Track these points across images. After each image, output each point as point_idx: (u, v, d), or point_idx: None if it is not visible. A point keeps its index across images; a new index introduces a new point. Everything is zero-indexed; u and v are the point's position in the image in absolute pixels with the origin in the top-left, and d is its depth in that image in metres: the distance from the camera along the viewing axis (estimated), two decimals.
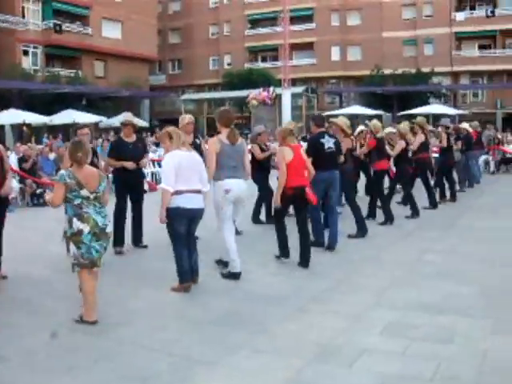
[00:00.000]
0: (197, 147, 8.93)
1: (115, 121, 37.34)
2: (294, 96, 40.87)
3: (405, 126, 12.92)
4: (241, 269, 7.25)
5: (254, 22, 56.31)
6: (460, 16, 46.66)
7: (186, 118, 9.55)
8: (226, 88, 49.03)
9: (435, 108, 37.06)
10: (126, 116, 10.16)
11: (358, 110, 38.38)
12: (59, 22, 43.62)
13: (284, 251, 8.18)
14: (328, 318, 5.81)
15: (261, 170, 11.05)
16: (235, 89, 44.76)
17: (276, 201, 7.99)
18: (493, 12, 44.09)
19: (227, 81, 50.03)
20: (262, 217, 11.46)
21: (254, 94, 36.54)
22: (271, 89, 36.56)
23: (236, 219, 7.69)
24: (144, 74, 52.20)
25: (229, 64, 56.23)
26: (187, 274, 6.72)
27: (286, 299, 6.43)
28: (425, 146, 13.37)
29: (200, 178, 6.79)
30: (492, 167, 23.39)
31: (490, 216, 12.23)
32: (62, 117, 32.99)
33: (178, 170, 6.50)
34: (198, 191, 6.72)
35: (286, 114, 36.30)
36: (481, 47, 48.20)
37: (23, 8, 42.67)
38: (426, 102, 40.61)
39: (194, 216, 6.75)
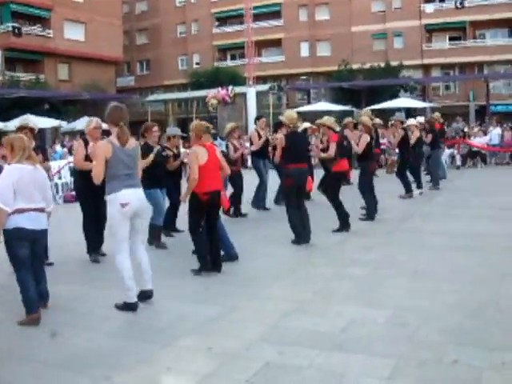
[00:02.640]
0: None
1: (76, 125, 36.39)
2: (262, 94, 39.88)
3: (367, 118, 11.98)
4: (137, 298, 6.06)
5: (222, 20, 55.16)
6: (429, 8, 45.70)
7: (93, 122, 8.39)
8: (194, 88, 47.79)
9: (404, 101, 36.08)
10: (23, 119, 8.96)
11: (324, 106, 37.32)
12: (18, 25, 42.36)
13: (205, 264, 7.30)
14: (196, 357, 4.69)
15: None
16: (202, 88, 43.53)
17: (182, 198, 7.71)
18: (462, 3, 43.34)
19: (194, 80, 48.86)
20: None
21: (212, 94, 35.45)
22: (230, 87, 35.44)
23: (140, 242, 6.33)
24: (110, 75, 50.99)
25: (197, 63, 55.01)
26: (34, 305, 5.64)
27: (159, 332, 5.31)
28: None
29: (44, 195, 5.81)
30: (458, 161, 22.47)
31: (440, 218, 11.16)
32: (18, 122, 31.60)
33: (18, 186, 5.48)
34: (42, 210, 5.75)
35: (251, 113, 35.16)
36: (451, 39, 47.26)
37: None
38: (395, 96, 39.54)
39: (37, 237, 5.73)
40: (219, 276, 7.24)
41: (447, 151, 22.55)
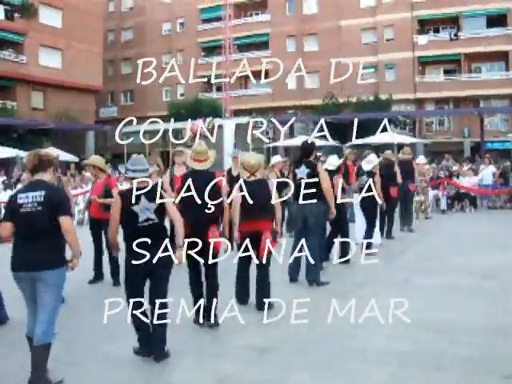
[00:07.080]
0: None
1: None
2: (244, 127, 37.45)
3: None
4: None
5: (208, 50, 52.87)
6: (423, 39, 43.21)
7: None
8: (175, 119, 45.12)
9: (389, 136, 33.09)
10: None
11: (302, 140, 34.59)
12: None
13: None
14: None
15: None
16: (183, 120, 40.92)
17: None
18: (456, 35, 40.99)
19: (174, 112, 46.21)
20: None
21: (190, 126, 33.04)
22: (208, 119, 32.98)
23: None
24: (89, 105, 48.44)
25: (182, 94, 52.61)
26: None
27: None
28: None
29: None
30: (443, 205, 19.59)
31: (396, 291, 8.32)
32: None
33: None
34: None
35: (227, 146, 32.58)
36: (446, 72, 44.76)
37: None
38: (385, 131, 36.77)
39: None
40: None
41: (431, 192, 19.77)
